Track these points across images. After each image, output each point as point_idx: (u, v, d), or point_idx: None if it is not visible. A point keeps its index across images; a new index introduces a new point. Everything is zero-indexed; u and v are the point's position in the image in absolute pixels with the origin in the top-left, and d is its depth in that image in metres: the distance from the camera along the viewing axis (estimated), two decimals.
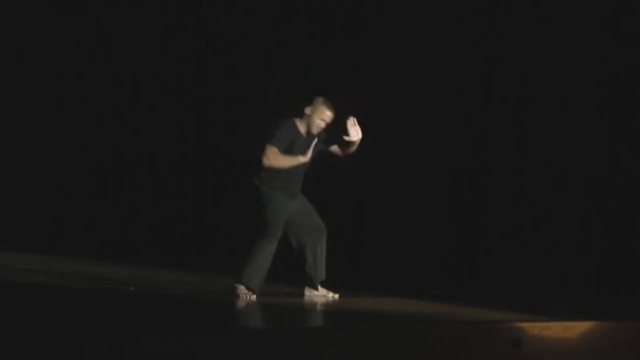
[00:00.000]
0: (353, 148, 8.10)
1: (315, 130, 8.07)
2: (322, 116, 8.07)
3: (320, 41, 10.68)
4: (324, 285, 8.14)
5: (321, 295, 8.13)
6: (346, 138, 7.95)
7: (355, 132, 7.95)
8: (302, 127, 8.12)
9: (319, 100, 8.10)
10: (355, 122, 7.94)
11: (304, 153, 7.97)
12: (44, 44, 12.53)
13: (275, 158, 7.90)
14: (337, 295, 8.13)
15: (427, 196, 9.81)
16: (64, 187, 12.56)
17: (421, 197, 9.78)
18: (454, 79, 9.89)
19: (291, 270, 8.13)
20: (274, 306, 7.88)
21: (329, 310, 7.77)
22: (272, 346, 6.13)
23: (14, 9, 12.66)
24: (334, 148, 8.23)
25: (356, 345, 6.36)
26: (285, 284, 8.64)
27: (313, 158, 8.04)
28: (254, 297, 7.95)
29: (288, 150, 7.97)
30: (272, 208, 8.00)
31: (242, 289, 7.99)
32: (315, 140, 8.05)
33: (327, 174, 8.95)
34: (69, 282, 8.99)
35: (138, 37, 12.05)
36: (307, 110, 8.13)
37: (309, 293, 8.17)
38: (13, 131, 12.77)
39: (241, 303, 7.82)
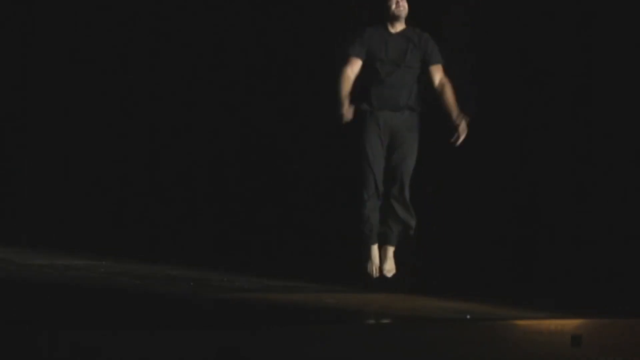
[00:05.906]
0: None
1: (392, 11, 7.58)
2: None
3: None
4: None
5: None
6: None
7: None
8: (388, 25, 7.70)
9: None
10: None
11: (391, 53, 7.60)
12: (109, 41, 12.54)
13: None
14: None
15: (485, 194, 9.67)
16: (123, 186, 12.62)
17: (479, 195, 9.64)
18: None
19: None
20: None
21: (389, 307, 7.70)
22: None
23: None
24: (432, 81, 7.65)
25: (417, 343, 6.30)
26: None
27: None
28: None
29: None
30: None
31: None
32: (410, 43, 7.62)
33: None
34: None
35: (222, 33, 11.96)
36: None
37: None
38: (69, 129, 12.84)
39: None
